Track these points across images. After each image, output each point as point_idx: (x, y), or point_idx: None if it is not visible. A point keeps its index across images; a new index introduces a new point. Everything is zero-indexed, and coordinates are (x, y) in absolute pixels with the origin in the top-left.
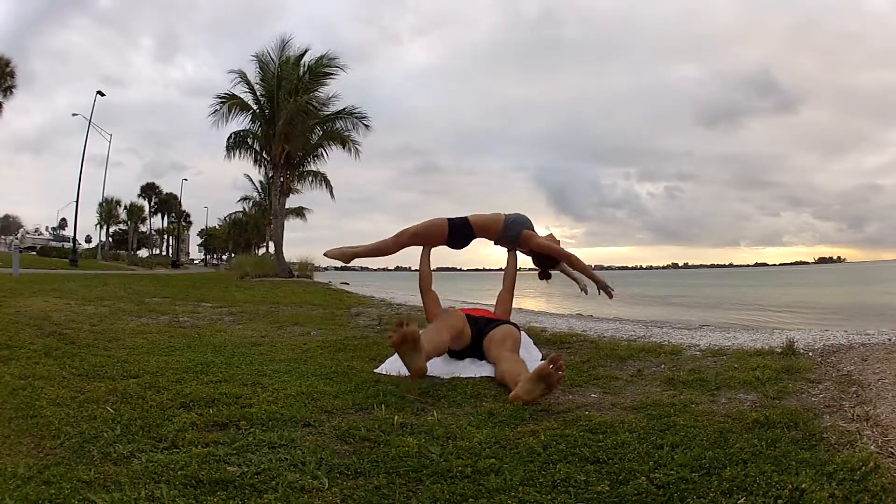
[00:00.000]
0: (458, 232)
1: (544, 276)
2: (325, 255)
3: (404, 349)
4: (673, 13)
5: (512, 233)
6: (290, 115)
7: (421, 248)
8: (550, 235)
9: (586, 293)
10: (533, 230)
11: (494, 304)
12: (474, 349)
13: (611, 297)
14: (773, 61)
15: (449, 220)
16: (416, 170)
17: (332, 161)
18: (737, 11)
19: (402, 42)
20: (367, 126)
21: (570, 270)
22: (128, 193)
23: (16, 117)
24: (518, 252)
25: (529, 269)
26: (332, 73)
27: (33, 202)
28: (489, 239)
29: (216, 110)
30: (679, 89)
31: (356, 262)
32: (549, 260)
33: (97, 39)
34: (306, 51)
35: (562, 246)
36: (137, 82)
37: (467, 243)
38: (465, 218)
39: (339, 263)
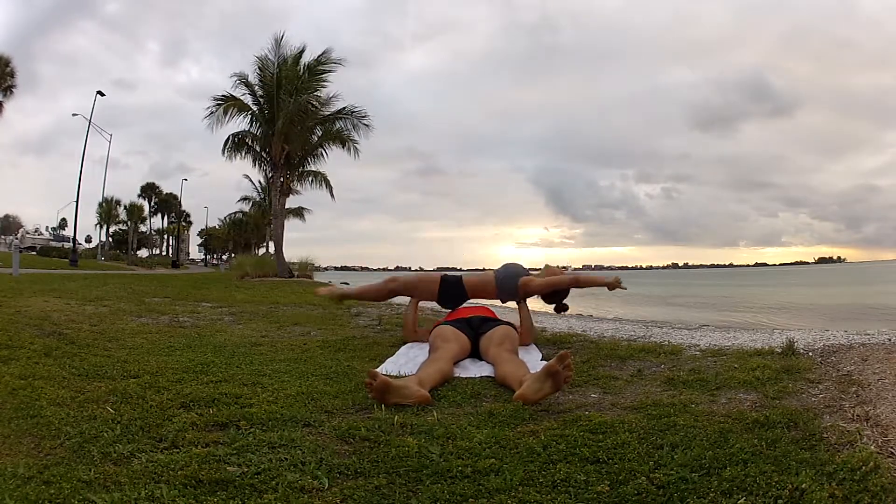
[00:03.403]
0: (451, 289)
1: (560, 309)
2: (315, 293)
3: (389, 397)
4: (668, 19)
5: (509, 286)
6: (290, 114)
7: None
8: (546, 267)
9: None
10: (527, 274)
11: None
12: (472, 349)
13: (625, 289)
14: (768, 66)
15: (442, 276)
16: (419, 171)
17: (334, 161)
18: (731, 18)
19: (404, 48)
20: (366, 125)
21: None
22: (131, 194)
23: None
24: (527, 301)
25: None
26: (330, 70)
27: (36, 202)
28: (489, 299)
29: (212, 112)
30: (675, 93)
31: (356, 262)
32: (557, 294)
33: (104, 43)
34: (303, 49)
35: (558, 270)
36: (144, 86)
37: (461, 303)
38: (460, 277)
39: (339, 263)
